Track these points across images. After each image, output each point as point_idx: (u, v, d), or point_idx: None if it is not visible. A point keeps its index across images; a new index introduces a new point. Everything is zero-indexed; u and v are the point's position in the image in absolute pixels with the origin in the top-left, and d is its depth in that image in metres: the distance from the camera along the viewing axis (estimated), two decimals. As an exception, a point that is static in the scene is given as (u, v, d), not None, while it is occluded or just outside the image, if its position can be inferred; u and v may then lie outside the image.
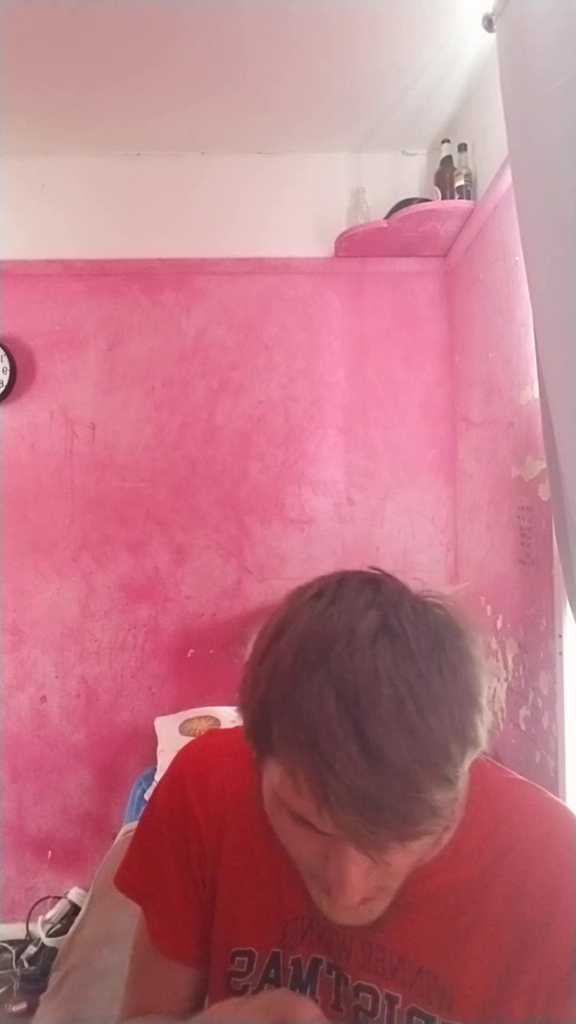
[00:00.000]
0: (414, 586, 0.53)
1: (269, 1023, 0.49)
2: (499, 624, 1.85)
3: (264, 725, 0.49)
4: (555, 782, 1.46)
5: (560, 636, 1.47)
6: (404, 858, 0.52)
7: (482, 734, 0.49)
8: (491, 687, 0.52)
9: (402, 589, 0.52)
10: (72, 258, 2.26)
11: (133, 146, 2.24)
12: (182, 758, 0.73)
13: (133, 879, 0.71)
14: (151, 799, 0.73)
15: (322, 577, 0.55)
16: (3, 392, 2.22)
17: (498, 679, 1.85)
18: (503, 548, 1.82)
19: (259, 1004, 0.51)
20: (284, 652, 0.49)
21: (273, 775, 0.51)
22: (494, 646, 1.88)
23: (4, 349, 2.21)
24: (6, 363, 2.21)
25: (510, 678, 1.76)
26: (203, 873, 0.68)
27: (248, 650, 0.54)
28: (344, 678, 0.46)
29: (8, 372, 2.22)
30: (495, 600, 1.89)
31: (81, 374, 2.28)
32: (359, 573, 0.54)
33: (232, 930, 0.66)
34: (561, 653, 1.46)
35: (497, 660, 1.85)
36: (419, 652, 0.47)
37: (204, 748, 0.73)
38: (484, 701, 0.49)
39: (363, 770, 0.44)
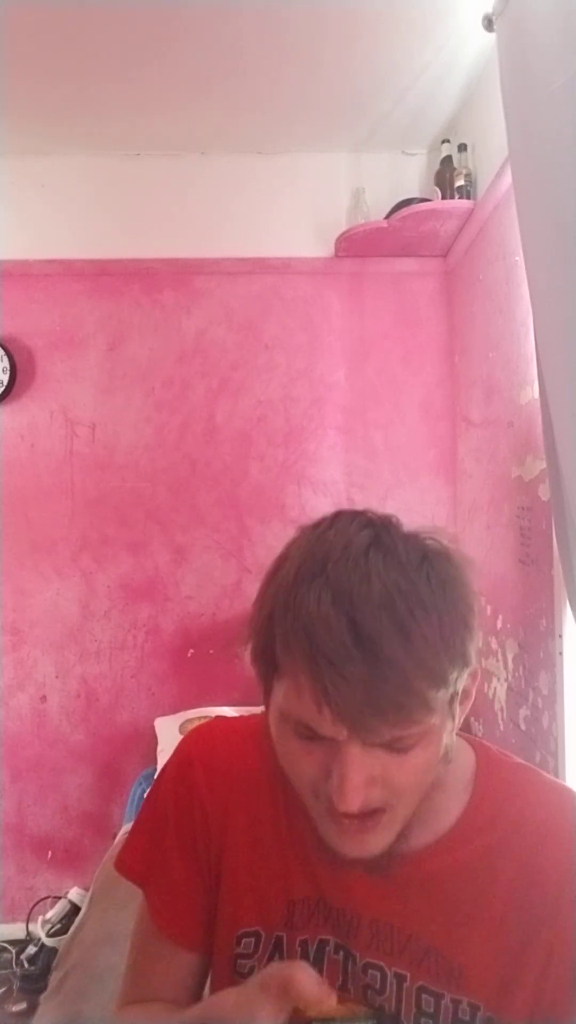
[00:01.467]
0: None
1: (271, 996, 0.49)
2: (499, 624, 1.85)
3: (269, 640, 0.53)
4: (555, 782, 1.46)
5: (560, 636, 1.47)
6: (403, 772, 0.53)
7: (471, 652, 0.53)
8: (480, 613, 0.55)
9: (391, 518, 0.57)
10: (72, 258, 2.26)
11: (133, 146, 2.24)
12: (189, 740, 0.73)
13: (135, 862, 0.70)
14: (156, 781, 0.73)
15: (322, 516, 0.59)
16: (3, 392, 2.22)
17: (498, 679, 1.85)
18: (503, 548, 1.82)
19: (257, 981, 0.52)
20: (287, 573, 0.54)
21: (279, 693, 0.55)
22: (494, 646, 1.88)
23: (4, 349, 2.21)
24: (6, 363, 2.21)
25: (510, 678, 1.76)
26: (208, 855, 0.68)
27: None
28: (339, 582, 0.50)
29: (8, 372, 2.22)
30: (495, 600, 1.89)
31: (81, 374, 2.28)
32: (352, 509, 0.59)
33: (238, 912, 0.66)
34: (561, 653, 1.46)
35: (497, 660, 1.85)
36: (408, 564, 0.51)
37: (212, 731, 0.74)
38: (474, 623, 0.53)
39: (358, 661, 0.48)
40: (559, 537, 1.27)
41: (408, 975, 0.60)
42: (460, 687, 0.54)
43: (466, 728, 2.27)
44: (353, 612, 0.48)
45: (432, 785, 0.58)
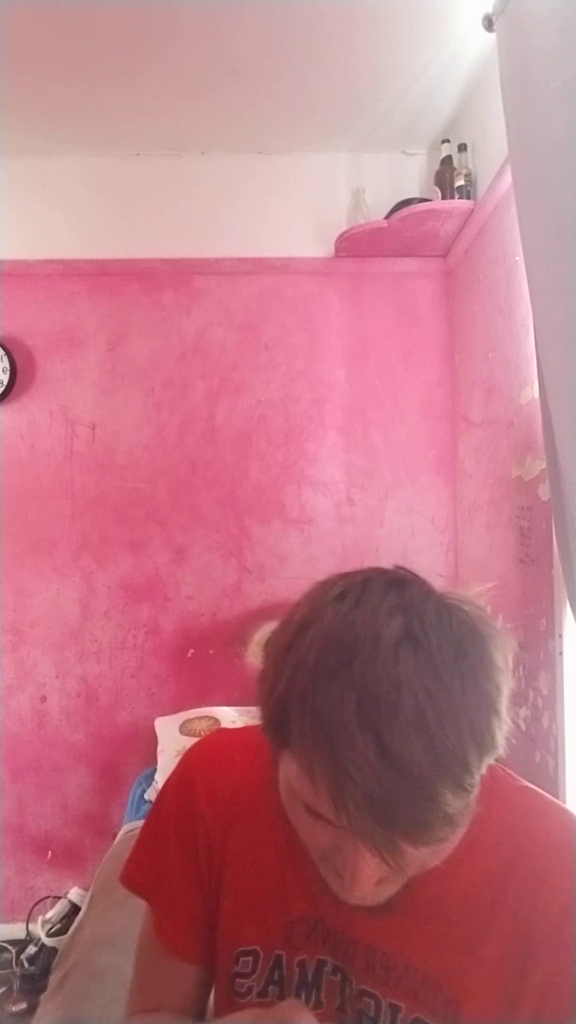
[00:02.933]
0: (439, 585, 0.53)
1: None
2: (499, 624, 1.85)
3: (283, 722, 0.50)
4: (555, 782, 1.46)
5: (560, 636, 1.47)
6: (419, 857, 0.51)
7: (500, 739, 0.50)
8: (510, 690, 0.51)
9: (427, 593, 0.52)
10: (72, 258, 2.26)
11: (133, 146, 2.24)
12: (193, 755, 0.73)
13: (140, 876, 0.71)
14: (159, 795, 0.73)
15: (345, 575, 0.55)
16: (3, 392, 2.22)
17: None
18: (503, 548, 1.82)
19: (266, 1016, 0.52)
20: (306, 653, 0.49)
21: (290, 769, 0.52)
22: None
23: (4, 349, 2.21)
24: (6, 363, 2.21)
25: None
26: (210, 871, 0.68)
27: (267, 644, 0.54)
28: (366, 685, 0.46)
29: (8, 372, 2.22)
30: (495, 600, 1.88)
31: (81, 374, 2.28)
32: (384, 573, 0.54)
33: (237, 930, 0.66)
34: (561, 653, 1.46)
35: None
36: (442, 663, 0.47)
37: (215, 746, 0.73)
38: (503, 707, 0.50)
39: (381, 777, 0.45)
40: (559, 537, 1.27)
41: (403, 1007, 0.59)
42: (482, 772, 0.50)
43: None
44: (380, 724, 0.45)
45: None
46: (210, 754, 0.72)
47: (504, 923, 0.58)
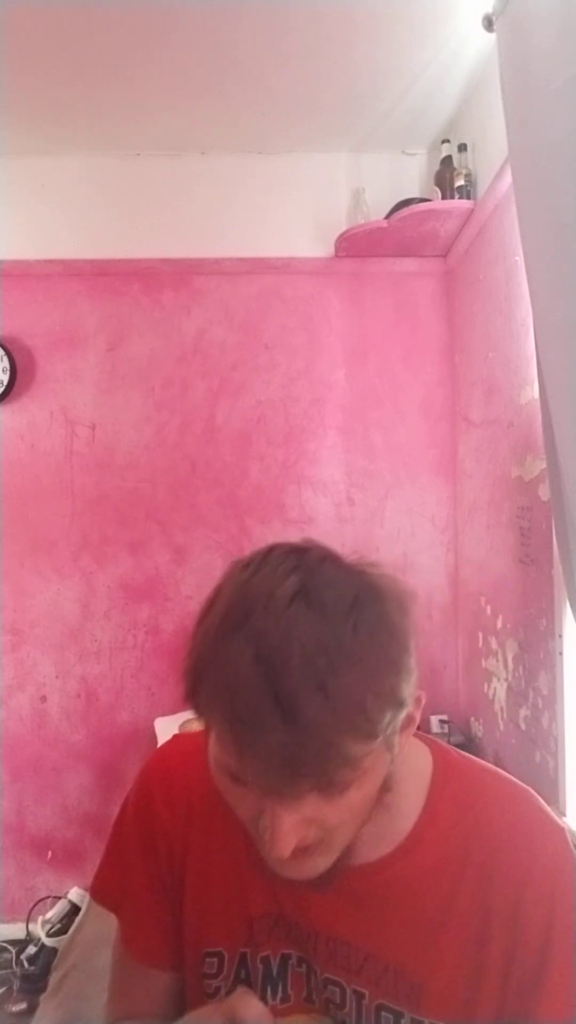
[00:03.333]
0: (348, 557, 0.55)
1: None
2: (499, 624, 1.85)
3: (196, 689, 0.51)
4: (555, 782, 1.47)
5: (560, 636, 1.47)
6: (336, 812, 0.52)
7: (405, 693, 0.51)
8: (414, 648, 0.53)
9: (325, 556, 0.54)
10: (72, 258, 2.26)
11: (133, 146, 2.24)
12: (147, 765, 0.74)
13: (107, 889, 0.72)
14: (121, 809, 0.74)
15: (256, 550, 0.57)
16: (3, 392, 2.22)
17: (498, 679, 1.85)
18: (503, 548, 1.82)
19: (212, 1010, 0.54)
20: (212, 620, 0.51)
21: (211, 737, 0.54)
22: (494, 646, 1.88)
23: (4, 349, 2.21)
24: (6, 363, 2.21)
25: (510, 678, 1.76)
26: (172, 877, 0.68)
27: None
28: (260, 639, 0.48)
29: (8, 372, 2.22)
30: (495, 600, 1.89)
31: (81, 374, 2.28)
32: (287, 543, 0.56)
33: (201, 932, 0.67)
34: (561, 653, 1.46)
35: (497, 660, 1.86)
36: (334, 614, 0.49)
37: (169, 753, 0.75)
38: (408, 661, 0.51)
39: (276, 725, 0.46)
40: (559, 537, 1.27)
41: (367, 993, 0.60)
42: (396, 726, 0.52)
43: (466, 728, 2.26)
44: (273, 674, 0.46)
45: (385, 794, 0.57)
46: (166, 763, 0.73)
47: (463, 904, 0.59)
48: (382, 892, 0.60)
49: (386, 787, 0.57)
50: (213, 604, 0.53)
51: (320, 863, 0.55)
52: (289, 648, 0.47)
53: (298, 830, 0.51)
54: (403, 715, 0.52)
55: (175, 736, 0.79)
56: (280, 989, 0.63)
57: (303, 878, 0.56)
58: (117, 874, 0.71)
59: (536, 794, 0.63)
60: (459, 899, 0.59)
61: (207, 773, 0.56)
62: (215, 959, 0.66)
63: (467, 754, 0.67)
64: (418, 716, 0.56)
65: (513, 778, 0.65)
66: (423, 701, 0.56)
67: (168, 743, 0.77)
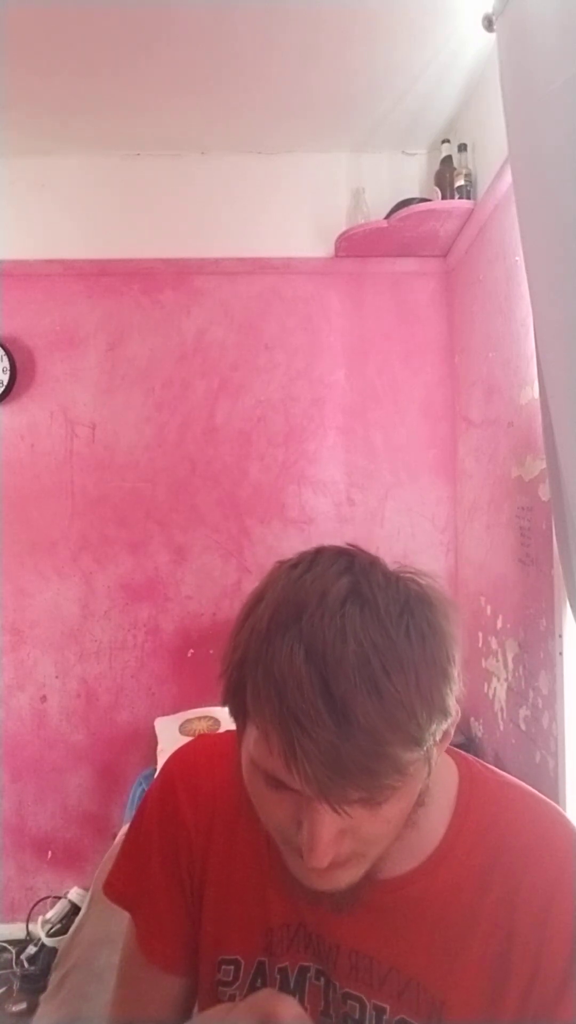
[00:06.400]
0: (392, 564, 0.55)
1: (253, 1023, 0.49)
2: (499, 624, 1.85)
3: (240, 687, 0.51)
4: (555, 782, 1.46)
5: (560, 636, 1.47)
6: (375, 824, 0.51)
7: (450, 703, 0.50)
8: (462, 659, 0.52)
9: (374, 561, 0.54)
10: (72, 258, 2.26)
11: (133, 146, 2.24)
12: (173, 763, 0.72)
13: (123, 887, 0.71)
14: (141, 805, 0.72)
15: (302, 552, 0.56)
16: (3, 392, 2.22)
17: (498, 679, 1.85)
18: (503, 548, 1.82)
19: (244, 1007, 0.51)
20: (260, 617, 0.51)
21: (249, 738, 0.53)
22: (494, 646, 1.88)
23: (4, 349, 2.21)
24: (6, 363, 2.21)
25: (510, 678, 1.76)
26: (191, 880, 0.67)
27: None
28: (313, 637, 0.47)
29: (8, 372, 2.22)
30: (495, 600, 1.89)
31: (81, 374, 2.28)
32: (334, 547, 0.56)
33: (219, 938, 0.66)
34: (561, 653, 1.46)
35: (497, 660, 1.85)
36: (387, 616, 0.48)
37: (195, 753, 0.73)
38: (454, 672, 0.51)
39: (328, 724, 0.45)
40: (559, 537, 1.27)
41: (388, 1008, 0.59)
42: (439, 738, 0.51)
43: (466, 728, 2.26)
44: (326, 672, 0.46)
45: (417, 809, 0.57)
46: (192, 760, 0.72)
47: (486, 920, 0.58)
48: (407, 907, 0.59)
49: (420, 801, 0.56)
50: (259, 603, 0.52)
51: (350, 875, 0.54)
52: (343, 648, 0.46)
53: (336, 842, 0.50)
54: (447, 724, 0.51)
55: (200, 736, 0.77)
56: (296, 1001, 0.62)
57: (331, 889, 0.55)
58: (135, 872, 0.70)
59: (561, 809, 0.62)
60: (483, 916, 0.58)
61: (232, 777, 0.55)
62: (231, 967, 0.64)
63: (492, 767, 0.66)
64: (452, 731, 0.55)
65: (539, 793, 0.64)
66: (458, 716, 0.54)
67: (193, 743, 0.75)
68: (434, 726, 0.49)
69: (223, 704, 0.53)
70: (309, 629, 0.48)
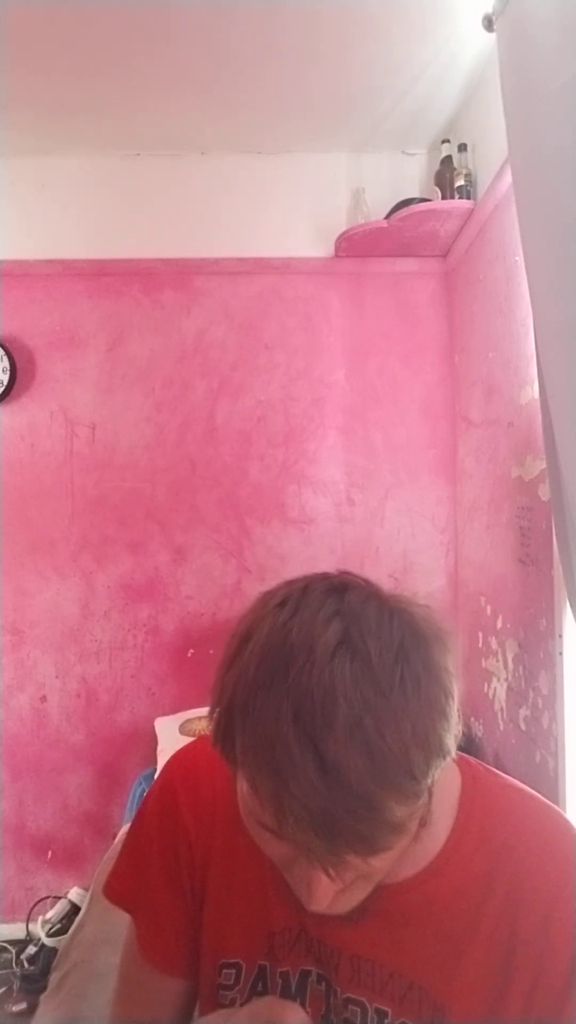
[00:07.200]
0: (386, 587, 0.52)
1: None
2: (499, 624, 1.85)
3: (229, 736, 0.49)
4: (555, 782, 1.46)
5: (560, 636, 1.47)
6: (376, 861, 0.50)
7: (448, 743, 0.48)
8: (459, 692, 0.50)
9: (367, 597, 0.50)
10: (72, 258, 2.26)
11: (133, 146, 2.24)
12: (173, 765, 0.72)
13: (123, 889, 0.70)
14: (141, 806, 0.72)
15: (289, 582, 0.54)
16: (3, 392, 2.22)
17: (498, 679, 1.85)
18: (503, 548, 1.82)
19: (246, 1012, 0.51)
20: (247, 664, 0.48)
21: (242, 783, 0.51)
22: (494, 646, 1.88)
23: (4, 349, 2.21)
24: (6, 363, 2.21)
25: (510, 678, 1.76)
26: (192, 883, 0.67)
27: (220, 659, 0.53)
28: (301, 695, 0.45)
29: (8, 372, 2.22)
30: (495, 600, 1.89)
31: (81, 374, 2.28)
32: (325, 579, 0.53)
33: (220, 941, 0.66)
34: (561, 653, 1.46)
35: (497, 660, 1.85)
36: (380, 667, 0.46)
37: (196, 755, 0.72)
38: (452, 708, 0.49)
39: (319, 789, 0.44)
40: (559, 537, 1.27)
41: (390, 1012, 0.59)
42: (437, 775, 0.49)
43: (466, 728, 2.26)
44: (315, 734, 0.44)
45: (421, 828, 0.55)
46: (192, 763, 0.71)
47: (489, 924, 0.57)
48: (410, 912, 0.59)
49: (423, 823, 0.55)
50: (245, 644, 0.50)
51: (355, 898, 0.54)
52: (334, 708, 0.44)
53: (334, 885, 0.50)
54: (446, 762, 0.49)
55: (200, 737, 0.76)
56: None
57: (336, 912, 0.54)
58: (136, 874, 0.69)
59: (563, 813, 0.62)
60: (486, 919, 0.57)
61: (232, 778, 0.54)
62: (232, 970, 0.64)
63: (494, 770, 0.65)
64: (454, 751, 0.53)
65: (541, 796, 0.63)
66: (460, 735, 0.53)
67: (193, 744, 0.74)
68: (433, 769, 0.48)
69: (213, 747, 0.51)
70: (297, 686, 0.45)
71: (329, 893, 0.50)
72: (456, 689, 0.50)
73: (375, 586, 0.53)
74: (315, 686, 0.45)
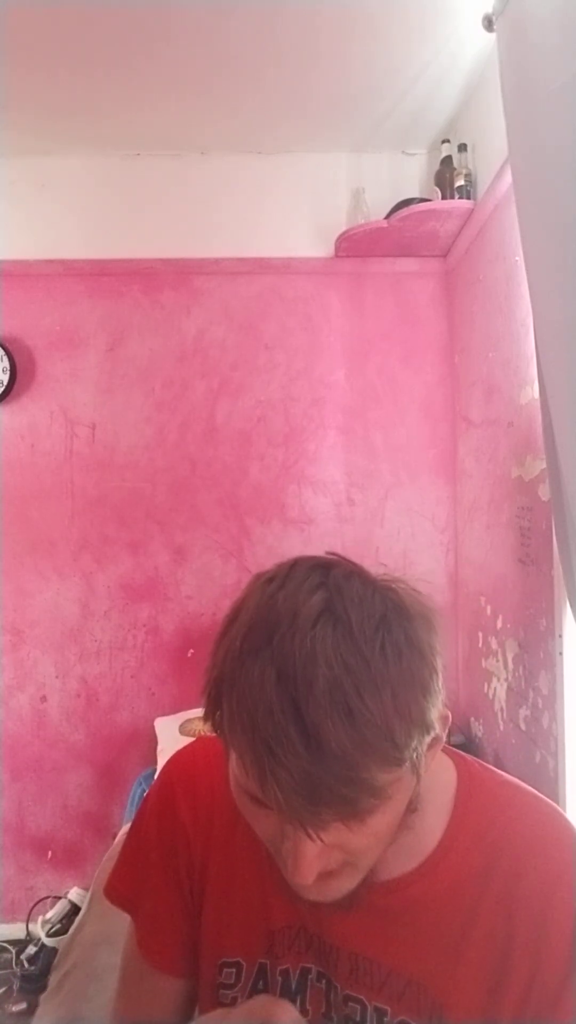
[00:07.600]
0: (374, 571, 0.53)
1: None
2: (499, 624, 1.85)
3: (217, 707, 0.50)
4: (555, 782, 1.46)
5: (560, 636, 1.47)
6: (361, 838, 0.51)
7: (432, 717, 0.50)
8: (443, 670, 0.51)
9: (351, 572, 0.52)
10: (72, 258, 2.26)
11: (133, 146, 2.24)
12: (172, 765, 0.72)
13: (123, 889, 0.71)
14: (140, 807, 0.72)
15: (280, 563, 0.55)
16: (3, 392, 2.22)
17: (498, 679, 1.85)
18: (503, 548, 1.82)
19: (241, 1011, 0.51)
20: (235, 636, 0.50)
21: (232, 757, 0.52)
22: (494, 646, 1.88)
23: (4, 349, 2.21)
24: (6, 363, 2.21)
25: (510, 678, 1.76)
26: (191, 883, 0.67)
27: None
28: (284, 661, 0.46)
29: (8, 372, 2.22)
30: (495, 600, 1.89)
31: (81, 374, 2.28)
32: (312, 558, 0.54)
33: (220, 940, 0.66)
34: (561, 653, 1.46)
35: (497, 660, 1.85)
36: (361, 634, 0.47)
37: (194, 755, 0.72)
38: (435, 683, 0.50)
39: (301, 751, 0.45)
40: (559, 537, 1.27)
41: (389, 1010, 0.59)
42: (423, 750, 0.50)
43: (466, 728, 2.26)
44: (297, 697, 0.45)
45: (410, 815, 0.56)
46: (190, 763, 0.71)
47: (486, 921, 0.58)
48: (406, 908, 0.59)
49: (411, 808, 0.56)
50: (235, 620, 0.51)
51: (344, 885, 0.54)
52: (314, 671, 0.45)
53: (321, 858, 0.50)
54: (430, 738, 0.51)
55: (200, 738, 0.77)
56: (298, 1004, 0.62)
57: (327, 900, 0.55)
58: (135, 874, 0.70)
59: (560, 809, 0.62)
60: (483, 916, 0.58)
61: (230, 778, 0.55)
62: (233, 969, 0.64)
63: (490, 767, 0.66)
64: (444, 736, 0.55)
65: (538, 793, 0.63)
66: (449, 720, 0.54)
67: (192, 745, 0.75)
68: (415, 742, 0.48)
69: (205, 721, 0.52)
70: (280, 652, 0.46)
71: (315, 865, 0.50)
72: (440, 666, 0.51)
73: (362, 567, 0.54)
74: (297, 651, 0.46)
